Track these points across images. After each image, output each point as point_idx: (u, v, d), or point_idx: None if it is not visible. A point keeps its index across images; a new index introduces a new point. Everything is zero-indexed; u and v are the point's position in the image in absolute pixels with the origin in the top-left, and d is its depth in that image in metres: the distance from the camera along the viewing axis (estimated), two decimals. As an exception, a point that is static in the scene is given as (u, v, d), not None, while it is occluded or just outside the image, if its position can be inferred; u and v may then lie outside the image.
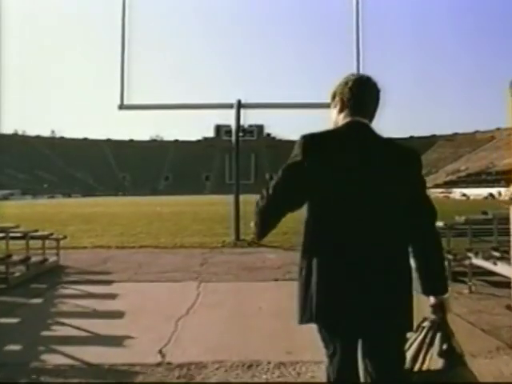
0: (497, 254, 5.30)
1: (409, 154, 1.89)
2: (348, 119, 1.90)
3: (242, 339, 3.97)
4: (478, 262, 5.38)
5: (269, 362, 3.45)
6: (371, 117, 1.94)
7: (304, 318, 1.80)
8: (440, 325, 1.85)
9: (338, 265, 1.74)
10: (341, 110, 1.95)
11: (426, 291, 1.84)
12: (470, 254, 5.55)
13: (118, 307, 5.01)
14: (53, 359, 3.54)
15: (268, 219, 1.92)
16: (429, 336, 1.86)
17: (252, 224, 1.98)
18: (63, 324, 4.41)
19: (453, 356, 1.83)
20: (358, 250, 1.74)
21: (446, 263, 6.09)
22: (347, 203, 1.77)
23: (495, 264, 4.96)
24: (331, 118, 2.01)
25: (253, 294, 5.67)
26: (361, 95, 1.91)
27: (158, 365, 3.43)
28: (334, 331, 1.82)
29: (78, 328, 4.26)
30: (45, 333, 4.20)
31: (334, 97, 1.99)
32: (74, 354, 3.61)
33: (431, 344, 1.84)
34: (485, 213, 6.07)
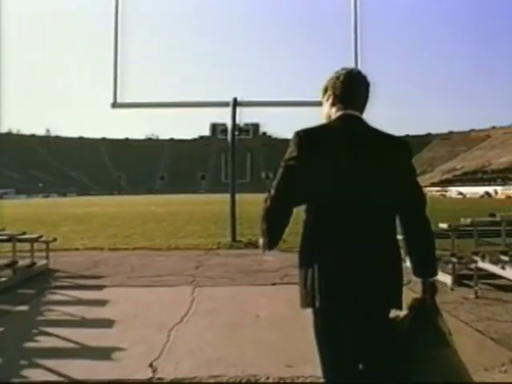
0: (505, 258, 5.09)
1: (400, 143, 1.98)
2: (340, 112, 1.98)
3: (238, 351, 3.73)
4: (485, 266, 5.17)
5: (268, 377, 3.22)
6: (362, 109, 2.02)
7: (306, 304, 1.90)
8: (428, 305, 1.92)
9: (337, 255, 1.83)
10: (333, 104, 2.03)
11: (417, 273, 1.93)
12: (476, 258, 5.34)
13: (108, 315, 4.74)
14: (35, 374, 3.30)
15: (276, 219, 1.95)
16: (417, 316, 1.91)
17: (260, 241, 2.00)
18: (49, 334, 4.15)
19: (438, 335, 1.89)
20: (355, 241, 1.84)
21: (450, 266, 5.89)
22: (344, 195, 1.86)
23: (503, 268, 4.75)
24: (323, 112, 2.09)
25: (250, 299, 5.42)
26: (352, 89, 2.00)
27: (149, 380, 3.20)
28: (332, 314, 1.87)
29: (64, 339, 4.01)
30: (29, 344, 3.93)
31: (325, 90, 2.07)
32: (58, 368, 3.37)
33: (418, 323, 1.90)
34: (492, 215, 5.86)
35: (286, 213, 1.93)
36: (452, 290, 5.65)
